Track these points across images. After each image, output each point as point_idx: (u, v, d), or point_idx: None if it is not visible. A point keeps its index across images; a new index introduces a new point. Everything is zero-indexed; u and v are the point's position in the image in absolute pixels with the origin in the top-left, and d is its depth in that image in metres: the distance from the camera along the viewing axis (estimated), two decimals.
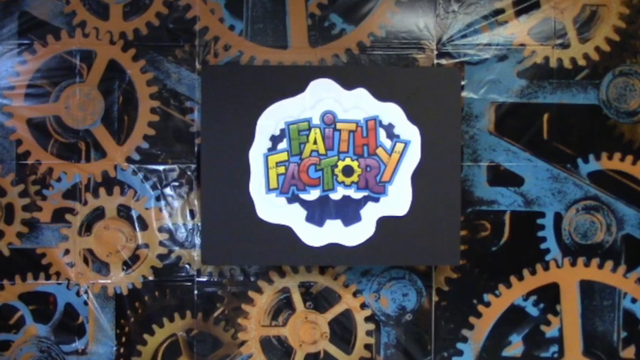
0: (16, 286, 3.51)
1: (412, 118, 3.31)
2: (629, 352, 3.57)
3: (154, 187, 3.49)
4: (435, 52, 3.49)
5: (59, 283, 3.52)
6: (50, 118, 3.48)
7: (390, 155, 3.33)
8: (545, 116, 3.51)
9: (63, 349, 3.55)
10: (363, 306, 3.42)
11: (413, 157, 3.32)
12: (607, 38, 3.51)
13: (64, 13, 3.47)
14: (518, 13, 3.49)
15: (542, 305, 3.54)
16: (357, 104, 3.33)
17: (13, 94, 3.48)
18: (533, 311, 3.55)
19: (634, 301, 3.56)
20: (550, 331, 3.56)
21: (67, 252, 3.50)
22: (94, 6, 3.49)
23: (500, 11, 3.50)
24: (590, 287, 3.55)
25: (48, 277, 3.51)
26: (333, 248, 3.27)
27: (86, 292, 3.50)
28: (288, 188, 3.31)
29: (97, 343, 3.55)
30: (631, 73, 3.51)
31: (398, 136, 3.31)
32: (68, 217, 3.47)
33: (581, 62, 3.49)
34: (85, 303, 3.50)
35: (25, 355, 3.54)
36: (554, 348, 3.57)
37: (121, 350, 3.52)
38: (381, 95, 3.33)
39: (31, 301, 3.54)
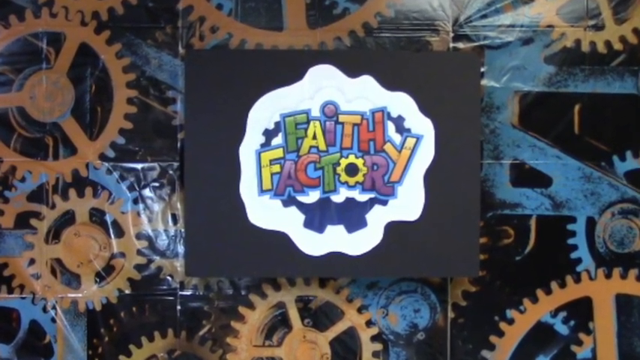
0: None
1: (425, 109, 3.30)
2: None
3: (131, 188, 3.48)
4: (451, 35, 3.48)
5: (23, 298, 3.49)
6: (13, 110, 3.46)
7: (399, 152, 3.31)
8: (577, 107, 3.49)
9: None
10: (369, 323, 3.36)
11: (426, 154, 3.30)
12: None
13: None
14: None
15: (572, 322, 3.50)
16: (363, 94, 3.31)
17: None
18: (563, 329, 3.52)
19: None
20: (582, 352, 3.53)
21: (32, 262, 3.49)
22: None
23: None
24: (628, 302, 3.51)
25: (10, 291, 3.48)
26: (335, 258, 3.23)
27: (54, 308, 3.48)
28: (284, 189, 3.29)
29: None
30: None
31: (409, 130, 3.29)
32: (33, 222, 3.45)
33: (618, 46, 3.44)
34: (53, 320, 3.50)
35: None
36: None
37: None
38: (389, 84, 3.31)
39: None
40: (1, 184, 3.45)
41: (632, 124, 3.49)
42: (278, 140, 3.28)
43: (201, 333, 3.42)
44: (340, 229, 3.23)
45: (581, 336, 3.47)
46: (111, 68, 3.44)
